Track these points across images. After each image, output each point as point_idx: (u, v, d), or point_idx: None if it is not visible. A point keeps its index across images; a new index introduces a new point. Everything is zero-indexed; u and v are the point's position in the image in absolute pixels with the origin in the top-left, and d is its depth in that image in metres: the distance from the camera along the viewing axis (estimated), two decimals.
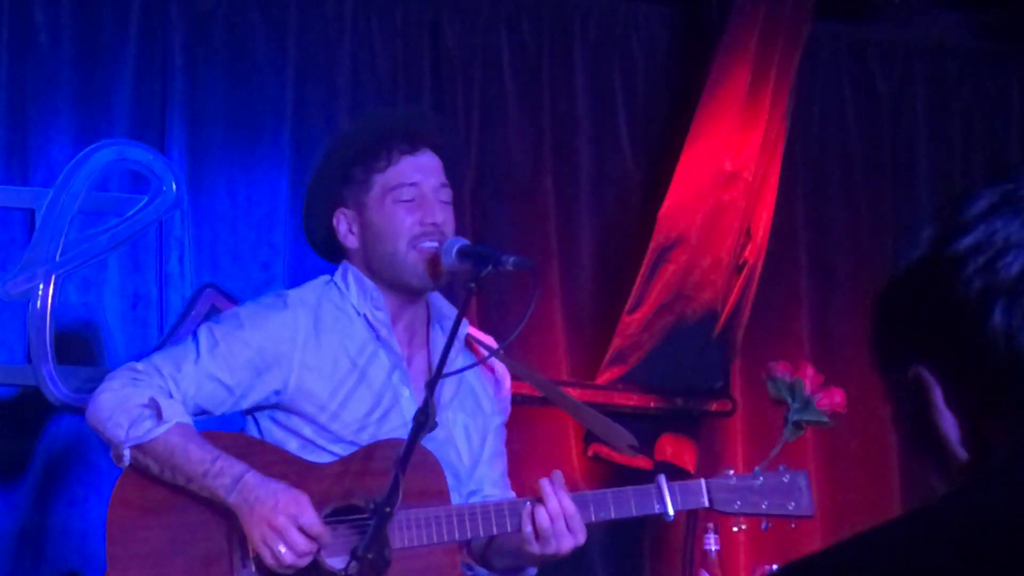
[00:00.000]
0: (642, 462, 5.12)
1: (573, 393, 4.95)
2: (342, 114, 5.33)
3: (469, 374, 3.74)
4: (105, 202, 4.93)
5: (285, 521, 3.38)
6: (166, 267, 5.06)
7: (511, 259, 3.52)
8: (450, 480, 3.60)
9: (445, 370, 3.43)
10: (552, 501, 3.45)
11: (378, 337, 3.65)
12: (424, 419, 3.29)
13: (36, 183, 4.96)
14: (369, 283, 3.66)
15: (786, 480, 3.63)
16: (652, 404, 5.45)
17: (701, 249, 5.45)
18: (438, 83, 5.48)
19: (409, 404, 3.60)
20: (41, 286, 4.79)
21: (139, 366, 3.60)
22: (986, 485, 1.34)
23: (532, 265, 3.60)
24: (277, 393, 3.61)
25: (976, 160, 6.14)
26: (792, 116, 5.67)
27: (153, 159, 4.93)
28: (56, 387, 4.80)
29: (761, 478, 3.63)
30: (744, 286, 5.51)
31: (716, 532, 4.15)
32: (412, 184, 3.61)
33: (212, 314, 4.81)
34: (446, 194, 3.65)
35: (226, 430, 3.84)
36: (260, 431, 3.66)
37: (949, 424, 1.41)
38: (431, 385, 3.34)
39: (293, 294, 3.70)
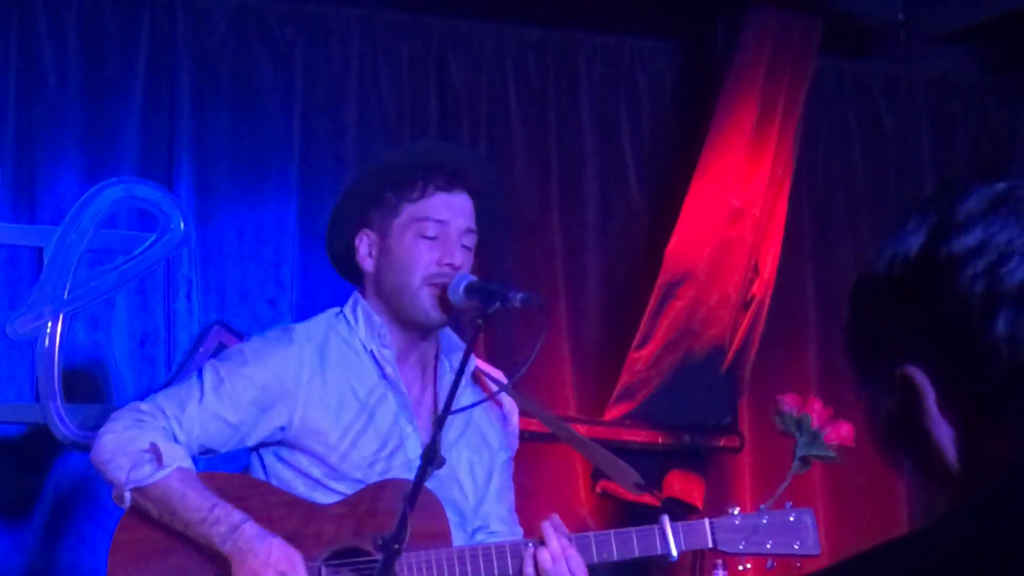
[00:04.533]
0: (650, 499, 5.10)
1: (580, 429, 4.95)
2: (349, 150, 5.34)
3: (475, 409, 3.73)
4: (113, 240, 4.93)
5: None
6: (174, 305, 5.06)
7: (519, 296, 3.50)
8: (454, 517, 3.60)
9: (453, 406, 3.43)
10: (553, 542, 3.44)
11: (384, 375, 3.64)
12: (432, 455, 3.27)
13: (44, 221, 4.97)
14: (377, 319, 3.64)
15: (792, 519, 3.60)
16: (660, 440, 5.45)
17: (708, 285, 5.46)
18: (444, 119, 5.50)
19: (413, 443, 3.59)
20: (49, 324, 4.79)
21: (143, 406, 3.58)
22: (989, 502, 1.31)
23: (540, 301, 3.59)
24: (282, 430, 3.60)
25: None
26: (798, 151, 5.68)
27: (161, 197, 4.93)
28: (64, 425, 4.79)
29: (766, 517, 3.60)
30: (752, 322, 5.51)
31: (725, 568, 4.13)
32: (439, 221, 3.58)
33: (220, 351, 4.81)
34: (470, 239, 3.62)
35: (232, 467, 3.85)
36: (265, 468, 3.65)
37: (943, 432, 1.37)
38: (439, 422, 3.32)
39: (300, 328, 3.68)
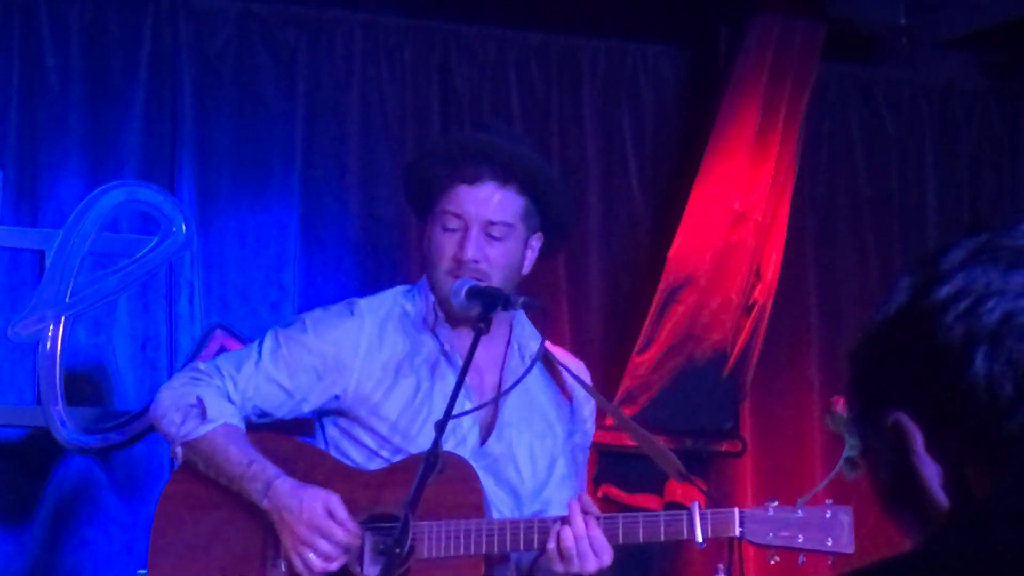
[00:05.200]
0: (652, 502, 5.10)
1: None
2: (351, 154, 5.34)
3: (541, 395, 3.75)
4: (115, 243, 4.93)
5: (308, 532, 3.45)
6: (175, 308, 5.07)
7: (520, 299, 3.54)
8: (508, 498, 3.64)
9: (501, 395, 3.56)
10: (577, 521, 3.45)
11: (443, 350, 3.68)
12: (434, 459, 3.29)
13: (46, 224, 4.97)
14: (433, 299, 3.69)
15: (828, 516, 3.54)
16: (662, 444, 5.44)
17: (711, 289, 5.45)
18: (447, 124, 5.50)
19: (468, 418, 3.60)
20: (51, 327, 4.79)
21: (201, 365, 3.72)
22: (966, 528, 1.33)
23: (541, 305, 3.61)
24: (337, 398, 3.67)
25: (984, 200, 6.14)
26: (801, 156, 5.68)
27: (163, 200, 4.94)
28: (66, 428, 4.79)
29: (801, 512, 3.54)
30: (754, 326, 5.51)
31: (727, 573, 4.12)
32: (456, 214, 3.61)
33: (221, 355, 4.82)
34: (499, 229, 3.60)
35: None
36: (325, 438, 3.72)
37: (930, 471, 1.40)
38: (441, 426, 3.33)
39: (363, 302, 3.75)
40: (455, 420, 3.52)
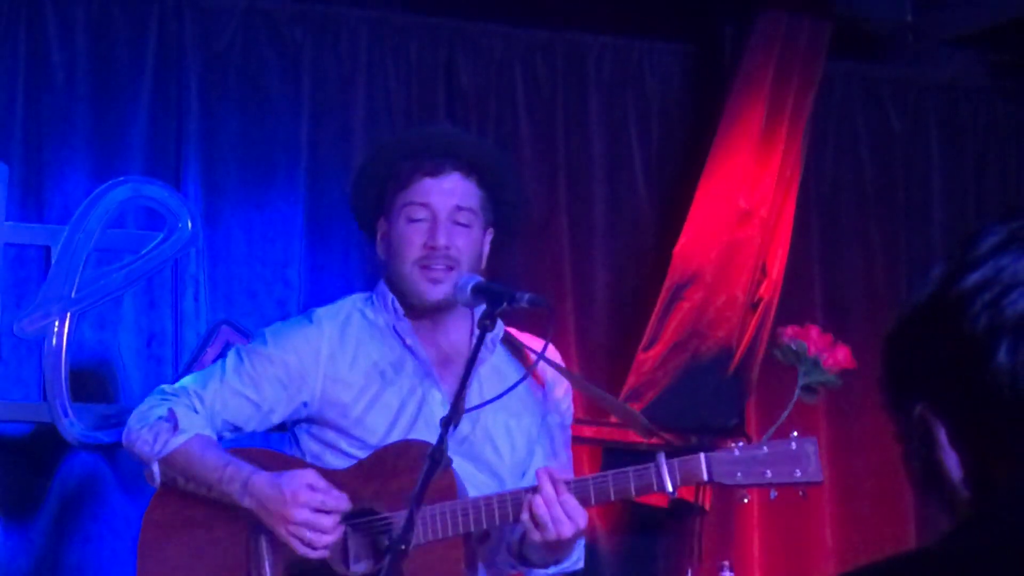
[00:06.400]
0: (658, 499, 5.10)
1: (588, 431, 4.98)
2: (356, 151, 5.34)
3: (513, 376, 3.72)
4: (120, 239, 4.94)
5: (300, 512, 3.46)
6: (181, 304, 5.07)
7: (526, 296, 3.51)
8: (490, 480, 3.65)
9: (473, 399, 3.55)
10: (547, 488, 3.44)
11: (404, 345, 3.68)
12: (439, 456, 3.28)
13: (52, 220, 4.97)
14: (391, 296, 3.69)
15: (794, 447, 3.49)
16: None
17: (716, 286, 5.45)
18: (452, 120, 5.49)
19: (440, 408, 3.59)
20: (56, 323, 4.79)
21: (167, 388, 3.72)
22: (987, 524, 1.33)
23: (547, 302, 3.59)
24: (305, 405, 3.68)
25: (990, 198, 6.14)
26: (807, 154, 5.68)
27: (168, 196, 4.94)
28: (71, 424, 4.80)
29: (766, 447, 3.49)
30: (759, 323, 5.51)
31: (731, 570, 4.13)
32: (423, 204, 3.62)
33: (227, 350, 4.82)
34: (466, 216, 3.63)
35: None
36: (299, 444, 3.73)
37: (953, 463, 1.39)
38: (446, 423, 3.33)
39: (321, 310, 3.76)
40: (428, 412, 3.58)
